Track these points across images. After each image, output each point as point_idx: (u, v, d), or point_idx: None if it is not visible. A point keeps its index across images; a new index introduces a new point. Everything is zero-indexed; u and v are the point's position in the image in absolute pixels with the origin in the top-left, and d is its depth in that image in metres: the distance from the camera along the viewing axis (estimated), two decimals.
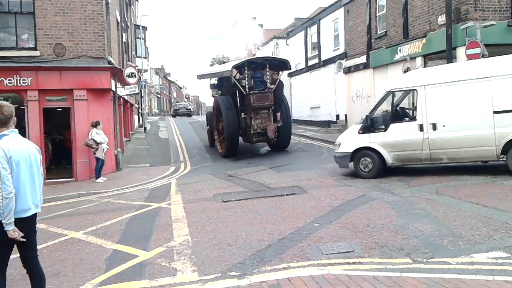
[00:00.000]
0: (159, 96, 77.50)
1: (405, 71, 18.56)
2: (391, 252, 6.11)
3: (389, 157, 11.90)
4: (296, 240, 6.91)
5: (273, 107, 18.64)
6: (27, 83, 15.33)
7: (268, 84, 18.82)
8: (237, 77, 18.94)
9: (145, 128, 32.63)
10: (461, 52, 15.45)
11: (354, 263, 5.84)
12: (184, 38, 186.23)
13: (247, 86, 18.47)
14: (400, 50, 19.51)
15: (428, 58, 18.07)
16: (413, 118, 11.95)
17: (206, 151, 21.61)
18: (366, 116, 12.42)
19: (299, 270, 5.69)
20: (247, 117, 18.45)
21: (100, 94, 16.37)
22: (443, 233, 6.76)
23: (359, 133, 12.34)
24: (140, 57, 35.76)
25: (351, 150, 12.28)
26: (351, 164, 12.42)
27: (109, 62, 16.71)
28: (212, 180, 13.71)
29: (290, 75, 36.25)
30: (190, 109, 57.52)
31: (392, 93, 12.24)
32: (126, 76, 18.17)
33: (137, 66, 29.62)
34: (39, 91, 15.54)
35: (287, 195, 10.52)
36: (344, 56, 26.23)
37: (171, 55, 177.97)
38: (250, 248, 6.72)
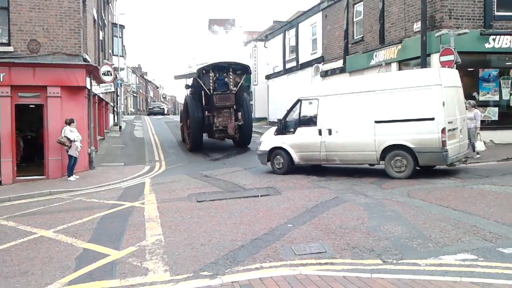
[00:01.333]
0: (135, 95, 76.73)
1: None
2: (362, 253, 6.19)
3: (296, 157, 13.40)
4: (270, 241, 6.93)
5: (234, 107, 20.50)
6: None
7: (231, 86, 20.64)
8: (202, 78, 20.67)
9: (120, 127, 32.25)
10: (435, 58, 15.77)
11: (326, 263, 5.89)
12: (161, 38, 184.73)
13: (211, 88, 20.41)
14: (376, 55, 19.79)
15: (403, 64, 18.40)
16: (314, 124, 13.08)
17: (182, 151, 21.49)
18: (279, 120, 14.19)
19: (271, 270, 5.71)
20: (211, 115, 20.44)
21: (75, 92, 16.11)
22: (413, 235, 6.87)
23: (274, 134, 13.99)
24: (117, 55, 35.34)
25: (267, 149, 13.97)
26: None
27: (85, 60, 16.48)
28: (187, 180, 13.64)
29: (268, 77, 36.43)
30: (163, 108, 62.68)
31: (300, 101, 13.67)
32: (102, 74, 17.91)
33: (113, 64, 29.26)
34: (11, 87, 15.22)
35: (261, 196, 10.54)
36: (322, 60, 26.48)
37: (148, 55, 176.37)
38: (223, 248, 6.71)
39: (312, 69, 27.98)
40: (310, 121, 13.43)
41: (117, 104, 37.37)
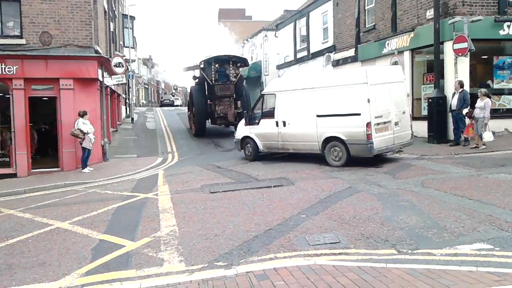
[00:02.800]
0: (146, 87, 76.98)
1: (393, 65, 18.68)
2: (377, 243, 6.18)
3: (260, 145, 14.96)
4: (283, 231, 6.95)
5: (234, 96, 22.80)
6: (12, 72, 15.13)
7: (231, 78, 23.26)
8: (205, 70, 23.34)
9: (132, 119, 32.42)
10: (448, 46, 15.56)
11: (340, 253, 5.89)
12: (172, 29, 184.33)
13: (213, 78, 22.89)
14: (388, 43, 19.58)
15: (416, 52, 18.19)
16: (273, 116, 14.44)
17: (194, 142, 21.58)
18: (246, 111, 16.20)
19: (285, 261, 5.73)
20: (212, 104, 22.79)
21: (87, 84, 16.21)
22: (428, 225, 6.84)
23: (245, 124, 15.49)
24: (128, 47, 35.44)
25: (240, 137, 15.64)
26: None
27: (96, 52, 16.53)
28: (200, 171, 13.69)
29: (279, 67, 36.28)
30: (173, 100, 69.76)
31: (263, 96, 15.29)
32: (114, 65, 18.00)
33: (124, 56, 29.35)
34: (24, 80, 15.35)
35: (274, 186, 10.55)
36: (333, 49, 26.26)
37: (159, 46, 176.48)
38: (237, 238, 6.74)
39: (323, 59, 27.79)
40: (270, 114, 14.73)
41: (129, 96, 37.52)
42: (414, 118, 17.90)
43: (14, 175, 15.28)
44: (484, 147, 13.76)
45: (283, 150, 14.44)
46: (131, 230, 7.74)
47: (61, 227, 8.33)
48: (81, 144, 15.13)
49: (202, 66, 23.85)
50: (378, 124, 12.34)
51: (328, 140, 12.96)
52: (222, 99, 22.63)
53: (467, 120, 14.38)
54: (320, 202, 8.67)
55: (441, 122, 15.62)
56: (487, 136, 13.63)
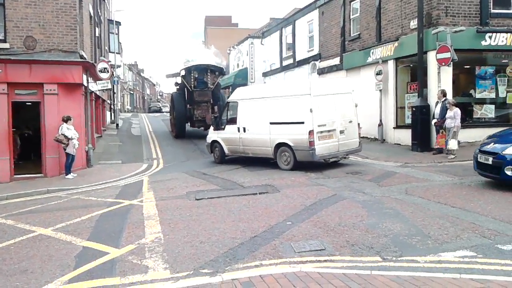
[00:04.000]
0: (132, 92, 76.59)
1: (377, 74, 18.91)
2: (362, 251, 6.22)
3: (226, 149, 16.09)
4: (269, 238, 6.95)
5: (211, 102, 24.97)
6: None
7: (209, 85, 25.29)
8: (185, 78, 25.59)
9: (117, 125, 32.20)
10: (431, 56, 15.80)
11: (325, 261, 5.91)
12: (158, 35, 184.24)
13: (192, 85, 25.02)
14: (372, 52, 19.81)
15: (400, 61, 18.43)
16: (235, 123, 15.57)
17: (180, 148, 21.49)
18: (214, 117, 18.02)
19: (271, 268, 5.73)
20: (191, 108, 24.84)
21: (72, 89, 16.06)
22: (412, 232, 6.91)
23: (213, 129, 16.75)
24: (113, 52, 35.25)
25: (209, 141, 16.88)
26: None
27: (81, 57, 16.41)
28: (185, 178, 13.64)
29: (264, 74, 36.41)
30: (160, 107, 74.39)
31: (228, 103, 16.57)
32: (99, 71, 17.86)
33: (110, 61, 29.18)
34: (8, 84, 15.15)
35: (260, 193, 10.55)
36: (318, 57, 26.47)
37: (145, 52, 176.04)
38: (222, 245, 6.72)
39: (309, 67, 27.98)
40: (233, 120, 15.80)
41: (114, 101, 37.27)
42: (397, 126, 18.24)
43: None
44: (453, 156, 13.86)
45: (244, 154, 15.55)
46: (116, 237, 7.67)
47: (44, 234, 8.22)
48: (64, 150, 14.97)
49: (182, 73, 26.45)
50: (321, 132, 13.33)
51: (279, 145, 14.01)
52: (201, 104, 24.72)
53: (441, 130, 14.59)
54: (305, 209, 8.69)
55: (425, 130, 15.81)
56: (452, 144, 13.78)
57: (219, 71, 26.67)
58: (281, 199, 9.77)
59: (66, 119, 14.95)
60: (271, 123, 14.19)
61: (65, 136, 14.77)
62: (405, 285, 4.93)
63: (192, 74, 25.42)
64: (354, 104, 14.38)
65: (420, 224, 7.28)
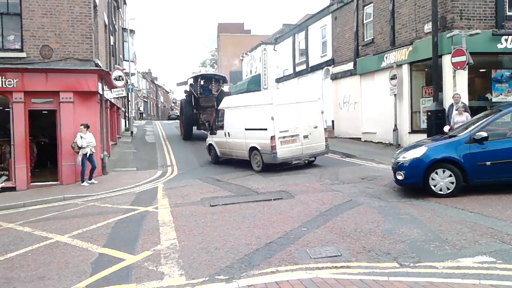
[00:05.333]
0: (146, 100, 77.16)
1: (392, 78, 18.79)
2: (378, 257, 6.15)
3: (218, 151, 17.93)
4: (284, 244, 6.92)
5: (215, 107, 25.39)
6: (12, 85, 15.15)
7: (213, 92, 28.47)
8: (193, 86, 29.21)
9: (131, 132, 32.42)
10: (446, 60, 15.66)
11: (341, 267, 5.86)
12: (171, 43, 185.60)
13: (198, 92, 28.43)
14: (386, 57, 19.71)
15: (414, 65, 18.30)
16: (223, 128, 17.35)
17: (194, 155, 21.55)
18: (204, 123, 22.00)
19: (287, 274, 5.69)
20: (198, 113, 27.80)
21: (87, 97, 16.23)
22: (430, 238, 6.82)
23: (210, 134, 18.97)
24: (128, 60, 35.58)
25: (207, 144, 18.90)
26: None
27: (97, 65, 16.59)
28: (200, 185, 13.66)
29: (278, 80, 36.46)
30: (178, 115, 72.91)
31: (219, 110, 18.30)
32: (114, 79, 18.04)
33: (124, 69, 29.46)
34: (24, 93, 15.36)
35: (274, 199, 10.53)
36: (332, 62, 26.42)
37: (159, 59, 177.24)
38: (238, 252, 6.70)
39: (322, 72, 27.95)
40: (222, 126, 17.47)
41: (128, 109, 37.57)
42: (413, 131, 18.09)
43: (13, 189, 15.22)
44: None
45: (231, 156, 17.31)
46: (131, 243, 7.70)
47: (60, 241, 8.29)
48: (85, 155, 15.11)
49: (190, 82, 30.08)
50: (284, 137, 14.69)
51: (252, 149, 15.59)
52: (206, 109, 27.40)
53: None
54: (320, 215, 8.64)
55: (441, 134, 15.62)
56: None
57: (222, 80, 30.28)
58: (295, 205, 9.73)
59: (84, 127, 15.12)
60: (245, 129, 15.89)
61: (77, 145, 14.93)
62: None
63: (198, 83, 29.15)
64: (320, 111, 15.70)
65: (438, 230, 7.19)
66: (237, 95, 21.92)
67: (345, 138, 23.79)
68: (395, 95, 18.92)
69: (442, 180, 9.60)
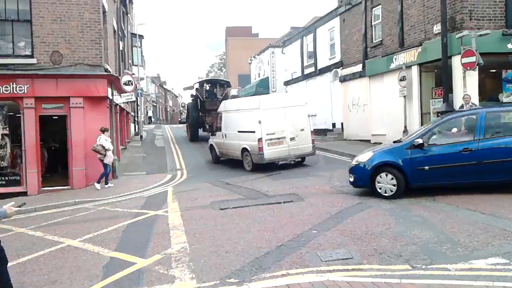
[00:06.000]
0: (155, 104, 77.51)
1: (401, 80, 18.71)
2: (390, 259, 6.11)
3: (217, 152, 19.30)
4: (295, 247, 6.90)
5: None
6: (23, 91, 15.30)
7: (218, 96, 30.01)
8: (198, 90, 30.64)
9: (141, 136, 32.58)
10: (456, 60, 15.56)
11: (353, 269, 5.83)
12: (180, 47, 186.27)
13: (204, 96, 30.04)
14: (395, 58, 19.62)
15: (424, 66, 18.19)
16: (221, 130, 18.70)
17: (203, 158, 21.59)
18: (209, 126, 24.15)
19: (298, 277, 5.67)
20: (203, 116, 29.09)
21: (97, 102, 16.33)
22: (442, 239, 6.76)
23: (211, 135, 20.60)
24: (137, 65, 35.78)
25: (209, 145, 20.27)
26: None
27: (106, 70, 16.70)
28: (209, 188, 13.68)
29: (286, 83, 36.43)
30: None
31: (218, 113, 19.71)
32: (123, 84, 18.14)
33: (133, 74, 29.63)
34: (35, 99, 15.50)
35: (284, 202, 10.51)
36: (340, 64, 26.35)
37: (167, 64, 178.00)
38: (248, 255, 6.70)
39: (331, 74, 27.89)
40: (220, 128, 18.77)
41: (137, 113, 37.75)
42: None
43: (24, 193, 15.35)
44: None
45: (228, 156, 18.52)
46: (142, 247, 7.72)
47: (72, 245, 8.33)
48: (101, 160, 15.21)
49: (196, 86, 31.42)
50: (271, 139, 15.77)
51: (243, 150, 16.71)
52: (211, 112, 27.82)
53: None
54: (331, 218, 8.61)
55: None
56: None
57: (226, 84, 31.95)
58: (306, 208, 9.71)
59: (104, 130, 15.31)
60: (238, 132, 17.09)
61: (103, 147, 15.09)
62: None
63: (204, 87, 31.08)
64: (307, 114, 16.69)
65: (450, 231, 7.13)
66: (233, 100, 23.12)
67: (354, 140, 23.69)
68: (404, 96, 18.82)
69: (385, 183, 10.15)
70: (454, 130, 10.80)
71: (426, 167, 9.96)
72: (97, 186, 15.15)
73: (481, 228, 7.19)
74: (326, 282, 5.37)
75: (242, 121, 16.80)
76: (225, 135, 18.17)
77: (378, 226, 7.75)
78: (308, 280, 5.50)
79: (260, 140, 15.55)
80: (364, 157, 10.80)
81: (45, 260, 7.50)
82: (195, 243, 7.63)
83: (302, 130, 16.26)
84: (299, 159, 17.05)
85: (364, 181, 10.56)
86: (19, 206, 4.84)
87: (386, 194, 10.10)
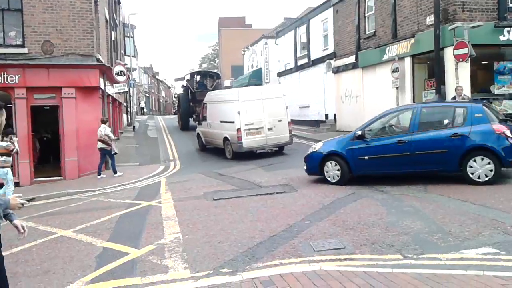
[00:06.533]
0: (147, 95, 77.13)
1: (394, 71, 18.75)
2: (382, 249, 6.16)
3: (203, 140, 20.57)
4: (287, 237, 6.93)
5: None
6: (14, 81, 15.20)
7: (208, 86, 31.06)
8: (189, 81, 31.95)
9: (134, 127, 32.47)
10: (449, 52, 15.61)
11: (345, 259, 5.87)
12: (172, 38, 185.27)
13: (194, 87, 31.08)
14: (388, 50, 19.65)
15: (416, 58, 18.23)
16: (206, 120, 19.81)
17: (196, 149, 21.59)
18: (197, 114, 24.44)
19: (291, 267, 5.71)
20: (194, 106, 29.49)
21: (89, 92, 16.26)
22: (433, 229, 6.83)
23: (198, 124, 21.69)
24: (129, 55, 35.57)
25: (196, 133, 21.72)
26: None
27: (98, 60, 16.61)
28: (202, 179, 13.69)
29: (279, 74, 36.38)
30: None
31: (204, 103, 20.72)
32: (115, 74, 18.08)
33: (126, 64, 29.47)
34: (26, 89, 15.41)
35: (277, 193, 10.55)
36: (333, 56, 26.34)
37: (160, 54, 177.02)
38: (241, 245, 6.73)
39: (324, 65, 27.87)
40: (205, 118, 19.95)
41: (130, 104, 37.58)
42: None
43: (16, 184, 15.24)
44: None
45: (212, 144, 19.73)
46: (135, 237, 7.73)
47: (65, 235, 8.33)
48: (105, 150, 15.32)
49: (187, 78, 32.95)
50: (249, 129, 16.78)
51: (225, 139, 17.78)
52: (201, 103, 28.24)
53: None
54: (323, 208, 8.66)
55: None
56: None
57: (216, 76, 33.97)
58: (298, 198, 9.75)
59: (106, 120, 15.48)
60: (220, 121, 18.11)
61: (109, 137, 15.26)
62: (427, 283, 4.87)
63: (194, 79, 32.32)
64: (285, 106, 17.62)
65: (441, 222, 7.19)
66: (216, 91, 24.18)
67: (347, 131, 23.68)
68: (397, 88, 18.87)
69: (332, 170, 11.15)
70: (399, 123, 11.45)
71: (366, 157, 10.70)
72: (118, 174, 15.60)
73: (472, 218, 7.27)
74: (318, 272, 5.41)
75: (224, 112, 17.86)
76: (210, 124, 19.25)
77: (370, 216, 7.80)
78: (301, 270, 5.53)
79: (239, 130, 16.57)
80: (316, 147, 11.86)
81: (38, 251, 7.49)
82: (189, 234, 7.65)
83: (280, 120, 17.24)
84: (277, 148, 17.77)
85: (315, 168, 11.50)
86: (29, 201, 4.75)
87: (333, 181, 11.08)
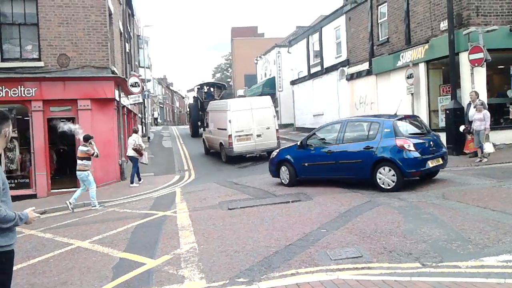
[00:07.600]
0: (162, 106, 77.67)
1: (408, 77, 18.62)
2: (400, 257, 6.07)
3: (207, 145, 22.72)
4: (304, 246, 6.87)
5: None
6: (31, 94, 15.41)
7: (215, 97, 33.33)
8: (198, 92, 35.80)
9: (148, 138, 32.68)
10: (464, 57, 15.47)
11: (363, 268, 5.80)
12: (186, 48, 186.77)
13: (203, 97, 34.25)
14: (402, 56, 19.53)
15: (431, 63, 18.09)
16: (208, 126, 22.26)
17: (210, 159, 21.63)
18: (201, 121, 29.68)
19: (307, 276, 5.65)
20: (202, 114, 30.60)
21: (104, 104, 16.42)
22: (452, 237, 6.71)
23: (203, 130, 24.45)
24: (143, 67, 35.92)
25: (202, 139, 23.78)
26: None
27: (113, 72, 16.78)
28: (217, 188, 13.69)
29: (292, 83, 36.39)
30: None
31: (207, 112, 23.26)
32: (130, 85, 18.23)
33: (140, 75, 29.74)
34: (43, 102, 15.62)
35: (292, 201, 10.49)
36: (347, 63, 26.27)
37: (174, 65, 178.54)
38: (257, 254, 6.68)
39: (337, 73, 27.79)
40: (208, 125, 22.31)
41: (144, 115, 37.87)
42: (431, 130, 17.79)
43: (34, 196, 15.46)
44: (486, 159, 13.47)
45: (213, 148, 21.83)
46: (151, 248, 7.73)
47: (81, 246, 8.37)
48: (135, 159, 15.93)
49: (196, 89, 36.78)
50: (240, 136, 18.69)
51: (220, 144, 19.89)
52: None
53: (468, 136, 14.29)
54: (340, 217, 8.58)
55: (460, 133, 15.39)
56: (488, 148, 13.39)
57: (223, 87, 37.26)
58: (314, 207, 9.68)
59: (137, 130, 15.84)
60: (217, 128, 20.21)
61: (141, 146, 15.68)
62: None
63: (203, 89, 35.90)
64: (273, 115, 19.58)
65: (460, 229, 7.07)
66: (215, 101, 25.63)
67: None
68: (412, 94, 18.73)
69: (284, 173, 12.76)
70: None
71: (306, 164, 12.27)
72: (135, 184, 15.85)
73: (491, 225, 7.13)
74: (336, 281, 5.34)
75: (219, 120, 19.97)
76: (210, 131, 21.56)
77: (387, 224, 7.71)
78: (318, 279, 5.47)
79: (230, 136, 18.54)
80: (274, 153, 13.55)
81: (55, 262, 7.53)
82: (204, 243, 7.64)
83: (268, 128, 19.16)
84: (265, 153, 19.24)
85: (274, 172, 13.19)
86: (41, 214, 4.82)
87: (285, 183, 12.70)
